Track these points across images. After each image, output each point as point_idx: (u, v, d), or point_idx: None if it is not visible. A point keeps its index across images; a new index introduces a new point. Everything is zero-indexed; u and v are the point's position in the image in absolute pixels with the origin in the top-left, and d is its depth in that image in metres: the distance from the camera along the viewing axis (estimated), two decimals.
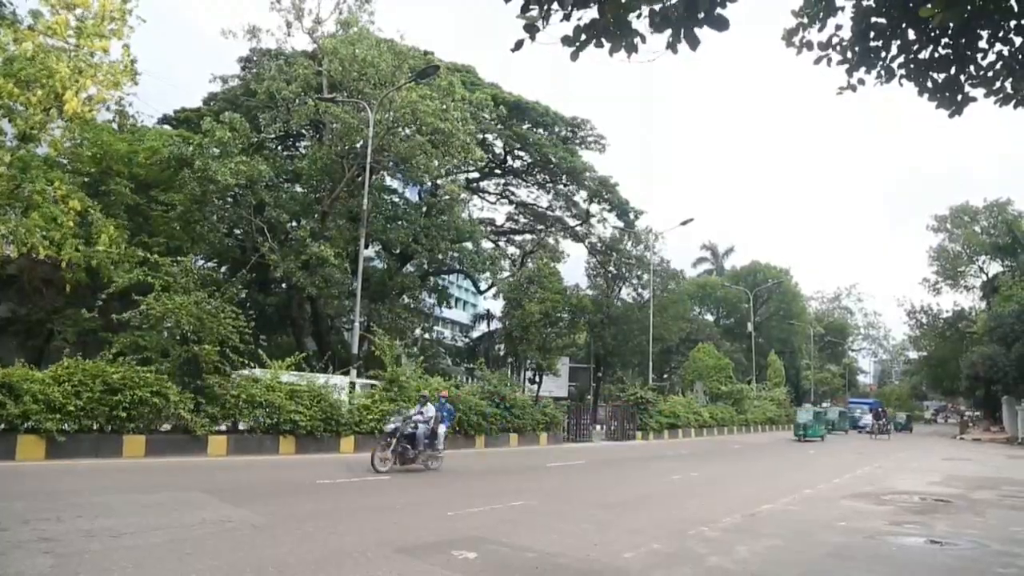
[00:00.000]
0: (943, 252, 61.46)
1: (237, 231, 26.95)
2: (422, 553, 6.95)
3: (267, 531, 7.56)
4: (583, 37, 4.71)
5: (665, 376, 57.79)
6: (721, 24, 4.71)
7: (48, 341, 23.69)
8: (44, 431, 11.95)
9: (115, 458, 12.83)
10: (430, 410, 14.54)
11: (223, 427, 15.11)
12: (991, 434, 47.14)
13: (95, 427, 12.92)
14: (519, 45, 4.75)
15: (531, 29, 4.64)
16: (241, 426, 15.38)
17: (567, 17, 4.77)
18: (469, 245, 33.56)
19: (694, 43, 4.75)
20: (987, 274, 59.24)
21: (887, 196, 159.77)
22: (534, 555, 7.17)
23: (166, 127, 29.59)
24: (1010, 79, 5.61)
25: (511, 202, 41.49)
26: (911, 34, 5.74)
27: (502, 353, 42.70)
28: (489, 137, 34.37)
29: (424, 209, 30.77)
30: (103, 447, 12.90)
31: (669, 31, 4.75)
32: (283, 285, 28.52)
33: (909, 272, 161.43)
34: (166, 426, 14.14)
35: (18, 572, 5.47)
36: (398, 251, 30.78)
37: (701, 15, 4.64)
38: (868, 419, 51.11)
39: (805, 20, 6.18)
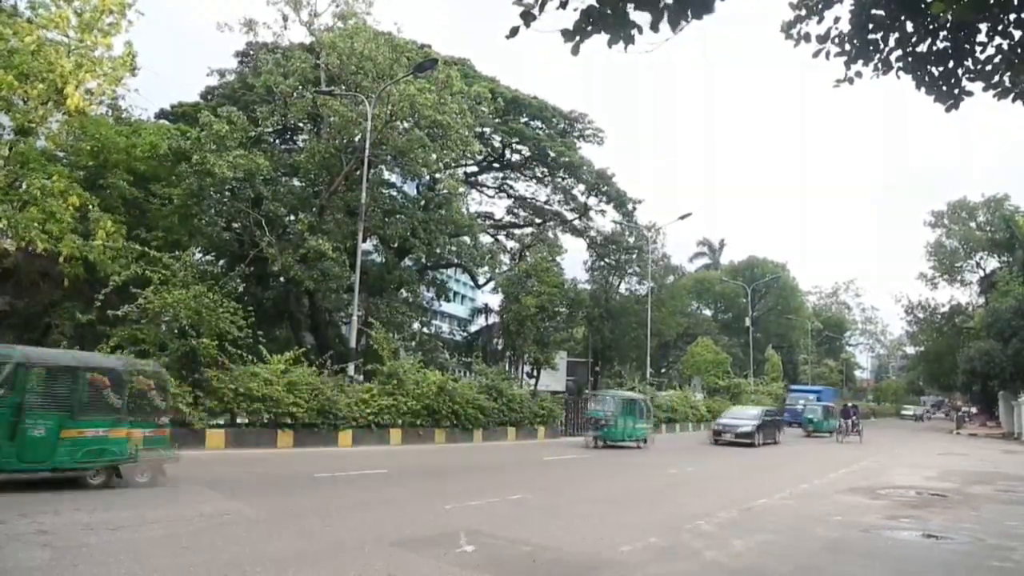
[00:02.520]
0: (940, 247, 61.57)
1: (235, 225, 26.83)
2: (420, 546, 6.96)
3: (265, 524, 7.57)
4: (582, 27, 4.69)
5: (663, 370, 57.85)
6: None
7: (45, 335, 23.60)
8: None
9: None
10: None
11: (221, 421, 15.12)
12: (987, 429, 47.29)
13: None
14: (514, 32, 4.72)
15: (527, 17, 4.61)
16: (239, 420, 15.39)
17: (563, 5, 4.74)
18: (467, 239, 33.48)
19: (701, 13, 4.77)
20: (984, 270, 59.40)
21: (886, 190, 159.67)
22: (531, 548, 7.20)
23: (163, 122, 29.45)
24: (1009, 73, 5.60)
25: (510, 196, 41.41)
26: (909, 27, 5.73)
27: (500, 347, 42.69)
28: (487, 131, 34.29)
29: (422, 203, 30.69)
30: None
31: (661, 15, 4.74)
32: (281, 279, 28.40)
33: (907, 267, 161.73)
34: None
35: (16, 564, 5.48)
36: (396, 245, 30.68)
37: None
38: (740, 419, 28.52)
39: (803, 12, 6.17)
